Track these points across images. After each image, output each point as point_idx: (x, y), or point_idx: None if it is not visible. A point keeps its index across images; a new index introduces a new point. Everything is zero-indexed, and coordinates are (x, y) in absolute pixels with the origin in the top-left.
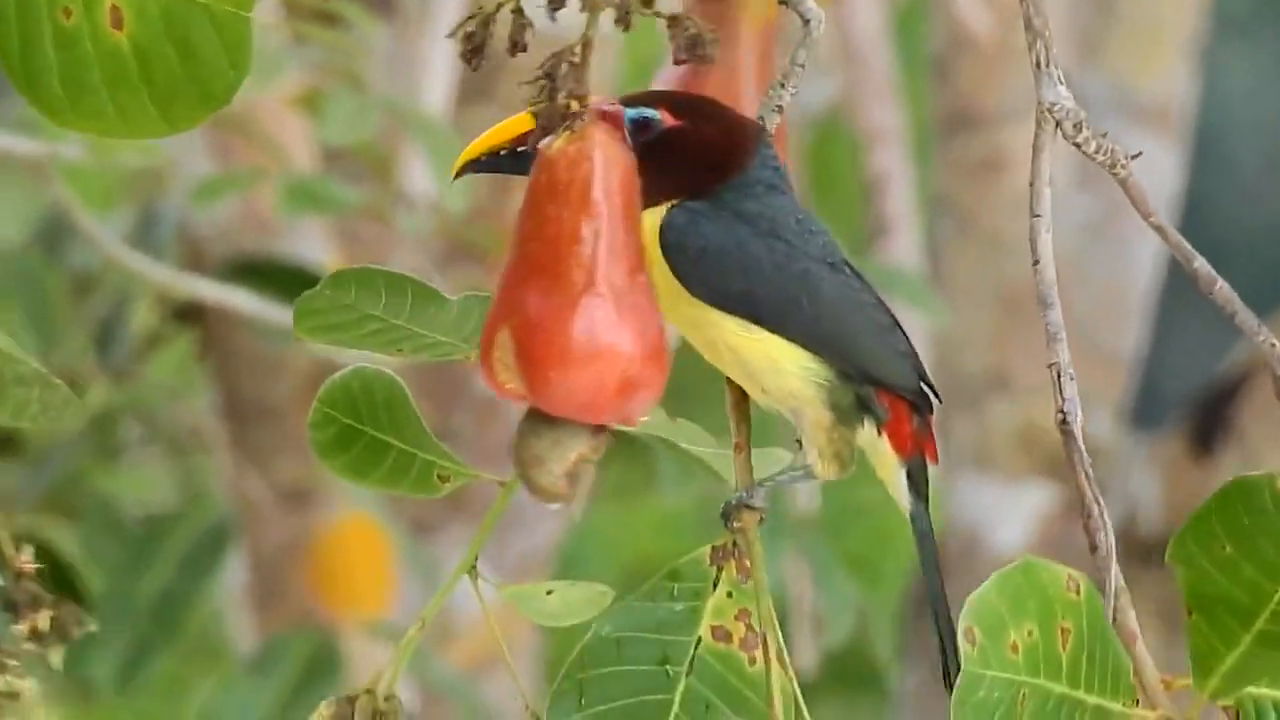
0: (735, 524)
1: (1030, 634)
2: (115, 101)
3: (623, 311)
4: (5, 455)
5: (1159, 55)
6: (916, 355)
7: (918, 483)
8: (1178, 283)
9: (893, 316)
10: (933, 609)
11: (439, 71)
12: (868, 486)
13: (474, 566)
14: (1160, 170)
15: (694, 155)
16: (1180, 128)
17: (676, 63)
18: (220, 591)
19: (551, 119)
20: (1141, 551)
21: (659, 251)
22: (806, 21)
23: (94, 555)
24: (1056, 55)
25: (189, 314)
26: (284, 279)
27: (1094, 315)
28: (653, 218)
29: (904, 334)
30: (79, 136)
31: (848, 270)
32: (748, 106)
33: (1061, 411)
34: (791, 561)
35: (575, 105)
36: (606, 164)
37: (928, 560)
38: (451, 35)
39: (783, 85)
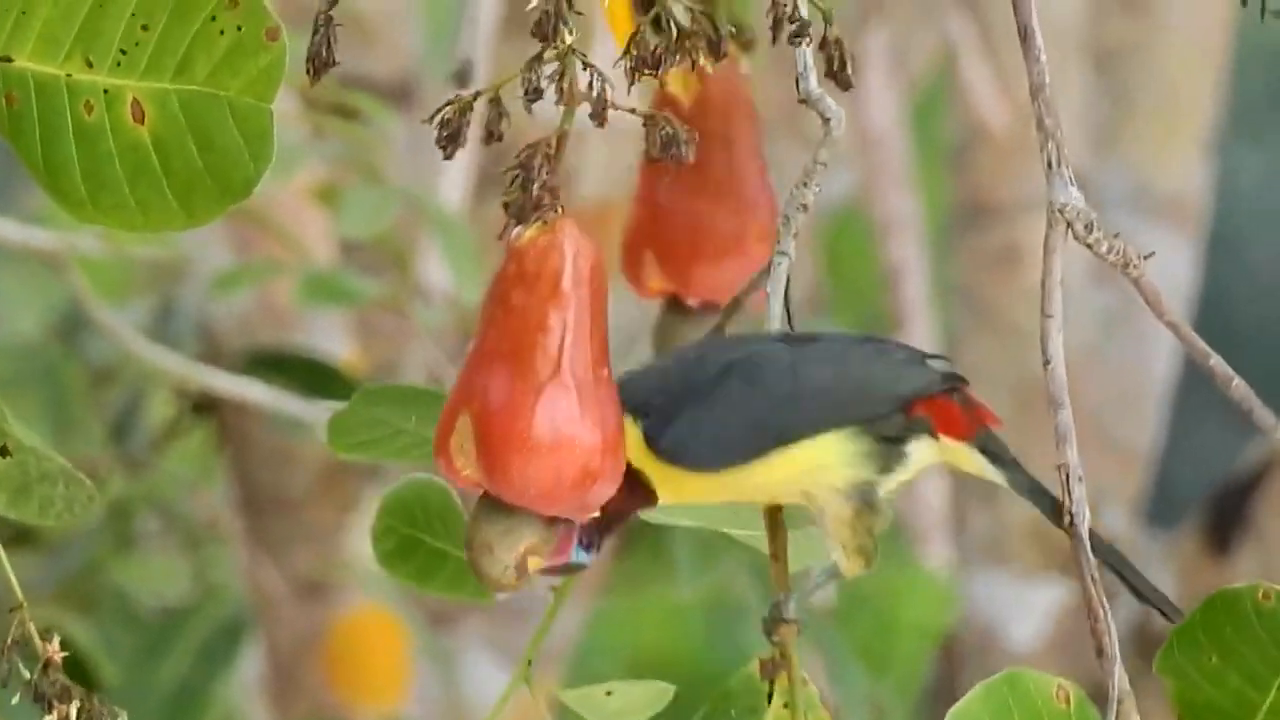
0: (776, 638)
1: None
2: (136, 195)
3: (585, 403)
4: (20, 546)
5: (1175, 148)
6: (916, 351)
7: (996, 453)
8: (1195, 378)
9: (872, 339)
10: (1112, 571)
11: (457, 164)
12: (872, 575)
13: (528, 673)
14: (1177, 264)
15: None
16: (1196, 221)
17: (649, 161)
18: (236, 684)
19: (523, 210)
20: (1156, 649)
21: (650, 460)
22: (827, 120)
23: (110, 647)
24: (1068, 155)
25: (206, 406)
26: (301, 371)
27: (1110, 409)
28: (632, 431)
29: (894, 344)
30: (95, 228)
31: (800, 340)
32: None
33: (1069, 514)
34: (807, 655)
35: (547, 197)
36: (576, 256)
37: (1042, 503)
38: (427, 122)
39: (805, 184)
